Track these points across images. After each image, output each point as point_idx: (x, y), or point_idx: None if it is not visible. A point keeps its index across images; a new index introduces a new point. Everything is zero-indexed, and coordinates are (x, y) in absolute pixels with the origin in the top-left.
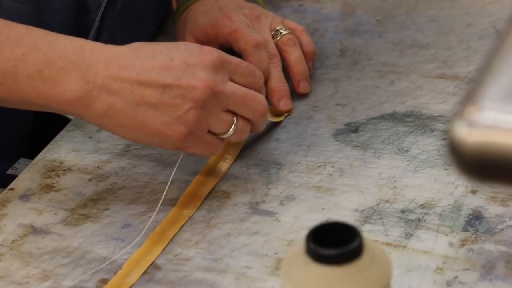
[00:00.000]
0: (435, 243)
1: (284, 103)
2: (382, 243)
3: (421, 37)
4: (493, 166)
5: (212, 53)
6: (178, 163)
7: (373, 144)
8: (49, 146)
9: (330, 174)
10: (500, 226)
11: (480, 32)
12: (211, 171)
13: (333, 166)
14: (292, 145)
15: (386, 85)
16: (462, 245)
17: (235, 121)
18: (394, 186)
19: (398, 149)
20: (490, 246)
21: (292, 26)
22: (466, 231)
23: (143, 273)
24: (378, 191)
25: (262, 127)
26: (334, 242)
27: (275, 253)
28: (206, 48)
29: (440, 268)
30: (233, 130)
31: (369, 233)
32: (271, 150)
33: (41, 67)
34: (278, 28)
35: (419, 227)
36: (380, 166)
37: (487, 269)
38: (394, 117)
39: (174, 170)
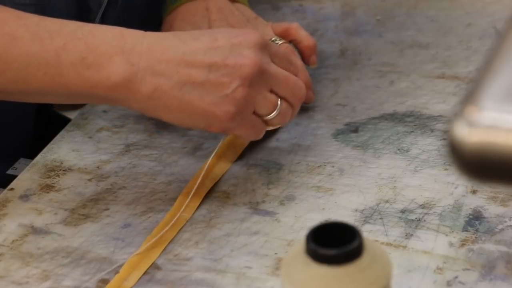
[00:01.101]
0: (435, 243)
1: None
2: (382, 243)
3: (421, 37)
4: (493, 166)
5: (256, 34)
6: (216, 151)
7: (373, 144)
8: (49, 146)
9: (330, 174)
10: (500, 226)
11: (480, 32)
12: (209, 171)
13: (333, 166)
14: (292, 145)
15: (386, 85)
16: (462, 245)
17: (279, 102)
18: (394, 186)
19: (398, 149)
20: (490, 246)
21: (284, 27)
22: (466, 231)
23: (144, 273)
24: (378, 191)
25: (294, 114)
26: (334, 242)
27: (275, 253)
28: (249, 29)
29: (440, 268)
30: (277, 112)
31: (369, 233)
32: (271, 150)
33: (84, 54)
34: (272, 39)
35: (419, 227)
36: (380, 166)
37: (487, 269)
38: (394, 117)
39: (211, 158)
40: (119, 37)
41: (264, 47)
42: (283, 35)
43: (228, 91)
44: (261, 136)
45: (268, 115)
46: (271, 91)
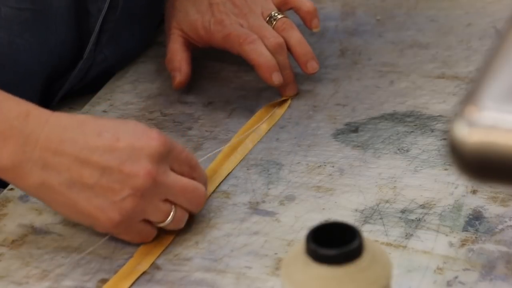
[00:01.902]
0: (435, 243)
1: (290, 89)
2: (382, 243)
3: (421, 37)
4: (493, 166)
5: (159, 140)
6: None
7: (373, 144)
8: None
9: (330, 174)
10: (500, 226)
11: (480, 32)
12: (217, 169)
13: (333, 166)
14: (292, 145)
15: (386, 85)
16: (462, 245)
17: (173, 211)
18: (394, 186)
19: (398, 149)
20: (490, 246)
21: None
22: (466, 231)
23: (143, 273)
24: (378, 191)
25: (198, 211)
26: (334, 242)
27: (275, 253)
28: (154, 133)
29: (440, 268)
30: (170, 220)
31: (369, 233)
32: (271, 150)
33: None
34: (272, 13)
35: (419, 227)
36: (380, 166)
37: (487, 269)
38: (394, 117)
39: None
40: (22, 117)
41: (164, 155)
42: (282, 4)
43: (116, 199)
44: (149, 240)
45: (160, 223)
46: (166, 200)
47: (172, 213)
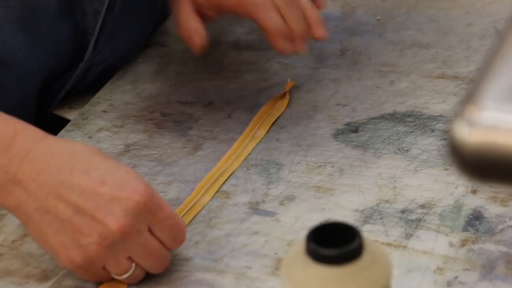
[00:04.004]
0: (435, 243)
1: (302, 46)
2: (382, 243)
3: (421, 37)
4: (493, 166)
5: (143, 196)
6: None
7: (373, 144)
8: None
9: (330, 174)
10: (500, 226)
11: (480, 32)
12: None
13: (333, 166)
14: (292, 145)
15: (386, 85)
16: (463, 245)
17: (132, 269)
18: (394, 186)
19: (398, 149)
20: (490, 246)
21: None
22: (467, 231)
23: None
24: (378, 191)
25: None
26: (334, 242)
27: (275, 253)
28: (142, 187)
29: (440, 268)
30: (126, 277)
31: (369, 233)
32: (271, 150)
33: None
34: None
35: (419, 227)
36: (380, 166)
37: (488, 269)
38: (394, 117)
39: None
40: (9, 137)
41: (144, 213)
42: None
43: (82, 242)
44: (106, 280)
45: (117, 276)
46: (129, 257)
47: (130, 271)
